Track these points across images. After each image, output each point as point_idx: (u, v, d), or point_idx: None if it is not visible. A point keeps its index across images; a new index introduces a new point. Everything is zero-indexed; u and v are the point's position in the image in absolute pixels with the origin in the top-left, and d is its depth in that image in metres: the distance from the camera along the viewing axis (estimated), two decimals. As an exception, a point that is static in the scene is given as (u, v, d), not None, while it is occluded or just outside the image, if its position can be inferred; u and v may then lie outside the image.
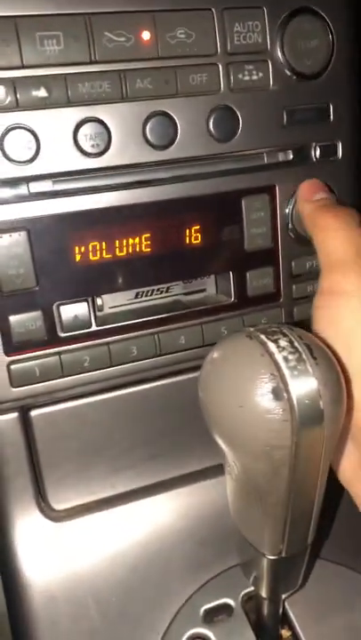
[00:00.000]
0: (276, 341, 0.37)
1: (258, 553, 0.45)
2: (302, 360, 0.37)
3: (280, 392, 0.36)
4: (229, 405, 0.37)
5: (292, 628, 0.53)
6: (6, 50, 0.44)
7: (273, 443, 0.36)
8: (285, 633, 0.53)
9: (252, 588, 0.52)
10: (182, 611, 0.52)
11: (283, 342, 0.37)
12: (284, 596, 0.50)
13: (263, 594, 0.48)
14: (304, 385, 0.36)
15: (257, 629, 0.52)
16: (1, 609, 0.55)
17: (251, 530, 0.45)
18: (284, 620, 0.53)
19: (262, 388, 0.36)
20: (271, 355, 0.37)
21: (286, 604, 0.53)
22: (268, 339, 0.37)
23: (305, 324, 0.50)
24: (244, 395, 0.36)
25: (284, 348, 0.37)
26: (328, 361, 0.38)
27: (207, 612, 0.52)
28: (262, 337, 0.38)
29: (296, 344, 0.37)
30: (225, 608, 0.53)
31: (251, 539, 0.45)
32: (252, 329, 0.39)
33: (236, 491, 0.43)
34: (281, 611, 0.51)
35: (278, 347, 0.37)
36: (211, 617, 0.52)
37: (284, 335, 0.38)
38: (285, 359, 0.36)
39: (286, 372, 0.36)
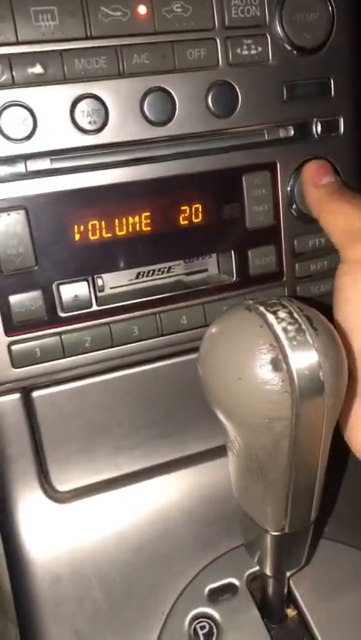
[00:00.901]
0: (275, 313, 0.37)
1: (261, 530, 0.44)
2: (302, 331, 0.36)
3: (279, 363, 0.35)
4: (228, 378, 0.37)
5: (297, 606, 0.52)
6: (1, 26, 0.43)
7: (273, 414, 0.36)
8: (291, 612, 0.52)
9: (257, 568, 0.51)
10: (187, 590, 0.52)
11: (282, 313, 0.37)
12: (288, 575, 0.50)
13: (268, 572, 0.48)
14: (304, 356, 0.36)
15: (262, 608, 0.51)
16: (6, 590, 0.55)
17: (253, 506, 0.44)
18: (290, 599, 0.53)
19: (261, 359, 0.35)
20: (270, 326, 0.36)
21: (291, 583, 0.53)
22: (268, 310, 0.37)
23: (312, 301, 0.50)
24: (243, 366, 0.36)
25: (283, 319, 0.36)
26: (329, 332, 0.37)
27: (212, 591, 0.52)
28: (261, 309, 0.37)
29: (296, 315, 0.37)
30: (230, 587, 0.53)
31: (254, 515, 0.45)
32: (250, 301, 0.39)
33: (238, 467, 0.43)
34: (286, 590, 0.51)
35: (277, 318, 0.36)
36: (215, 596, 0.52)
37: (284, 307, 0.37)
38: (285, 330, 0.36)
39: (286, 342, 0.35)
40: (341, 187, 0.52)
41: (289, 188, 0.54)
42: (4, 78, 0.44)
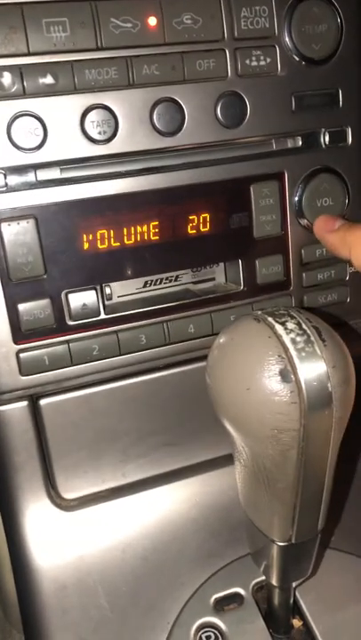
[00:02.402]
0: (283, 324, 0.37)
1: (268, 540, 0.44)
2: (311, 342, 0.36)
3: (288, 374, 0.35)
4: (237, 389, 0.37)
5: (303, 617, 0.52)
6: (13, 37, 0.44)
7: (281, 425, 0.36)
8: (297, 622, 0.52)
9: (263, 578, 0.51)
10: (192, 600, 0.52)
11: (291, 324, 0.37)
12: (294, 585, 0.50)
13: (274, 582, 0.48)
14: (312, 367, 0.36)
15: (268, 619, 0.51)
16: (12, 598, 0.55)
17: (260, 516, 0.44)
18: (296, 610, 0.52)
19: (270, 370, 0.35)
20: (279, 337, 0.36)
21: (297, 593, 0.52)
22: (276, 321, 0.37)
23: (317, 312, 0.50)
24: (252, 377, 0.36)
25: (292, 330, 0.37)
26: (337, 343, 0.37)
27: (218, 601, 0.52)
28: (270, 319, 0.37)
29: (304, 326, 0.37)
30: (236, 597, 0.52)
31: (260, 526, 0.45)
32: (259, 312, 0.39)
33: (246, 477, 0.43)
34: (292, 600, 0.51)
35: (286, 329, 0.37)
36: (221, 606, 0.52)
37: (292, 317, 0.37)
38: (293, 341, 0.36)
39: (294, 353, 0.36)
40: (355, 223, 0.52)
41: (297, 198, 0.55)
42: (15, 88, 0.45)
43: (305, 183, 0.54)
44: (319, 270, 0.57)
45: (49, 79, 0.45)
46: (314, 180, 0.54)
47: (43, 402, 0.53)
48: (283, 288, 0.56)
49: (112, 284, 0.53)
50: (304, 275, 0.57)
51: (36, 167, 0.47)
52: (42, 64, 0.45)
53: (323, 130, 0.54)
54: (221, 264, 0.56)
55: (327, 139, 0.54)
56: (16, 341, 0.49)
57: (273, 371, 0.35)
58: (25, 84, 0.45)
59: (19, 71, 0.45)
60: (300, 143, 0.54)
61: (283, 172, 0.53)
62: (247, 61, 0.50)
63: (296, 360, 0.35)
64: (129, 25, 0.47)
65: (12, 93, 0.45)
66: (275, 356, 0.36)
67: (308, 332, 0.37)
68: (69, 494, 0.55)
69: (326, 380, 0.36)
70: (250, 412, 0.37)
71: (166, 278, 0.55)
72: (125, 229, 0.50)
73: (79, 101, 0.46)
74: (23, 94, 0.45)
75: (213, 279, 0.57)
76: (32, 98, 0.45)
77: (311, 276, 0.57)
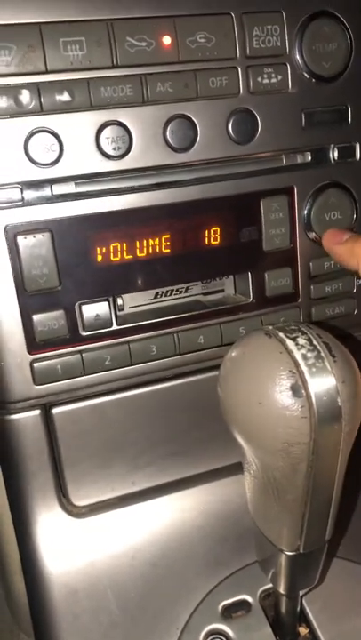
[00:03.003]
0: (294, 339, 0.38)
1: (276, 549, 0.45)
2: (321, 357, 0.37)
3: (299, 389, 0.36)
4: (248, 402, 0.38)
5: (309, 625, 0.53)
6: (31, 55, 0.45)
7: (291, 439, 0.37)
8: (303, 630, 0.53)
9: (271, 585, 0.52)
10: (201, 606, 0.53)
11: (301, 340, 0.38)
12: (301, 593, 0.51)
13: (281, 590, 0.49)
14: (322, 382, 0.37)
15: (275, 626, 0.52)
16: (21, 601, 0.56)
17: (269, 526, 0.45)
18: (302, 618, 0.53)
19: (281, 385, 0.36)
20: (290, 352, 0.37)
21: (304, 601, 0.53)
22: (287, 336, 0.38)
23: (323, 325, 0.51)
24: (263, 392, 0.37)
25: (302, 346, 0.38)
26: (346, 359, 0.38)
27: (225, 607, 0.53)
28: (281, 335, 0.38)
29: (315, 342, 0.38)
30: (243, 604, 0.53)
31: (269, 535, 0.45)
32: (270, 327, 0.40)
33: (255, 487, 0.44)
34: (299, 608, 0.52)
35: (297, 344, 0.38)
36: (229, 613, 0.53)
37: (303, 333, 0.38)
38: (304, 357, 0.37)
39: (305, 369, 0.37)
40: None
41: (306, 212, 0.55)
42: (32, 105, 0.46)
43: (314, 197, 0.55)
44: (327, 283, 0.58)
45: (65, 96, 0.47)
46: (323, 195, 0.55)
47: (55, 411, 0.54)
48: (291, 300, 0.57)
49: (124, 296, 0.54)
50: (312, 287, 0.58)
51: (51, 182, 0.48)
52: (59, 81, 0.46)
53: (332, 146, 0.55)
54: (231, 276, 0.57)
55: (336, 154, 0.55)
56: (30, 351, 0.50)
57: (284, 386, 0.36)
58: (42, 100, 0.46)
59: (36, 88, 0.46)
60: (310, 159, 0.55)
61: (292, 186, 0.54)
62: (259, 79, 0.51)
63: (307, 375, 0.36)
64: (144, 44, 0.48)
65: (30, 110, 0.46)
66: (286, 372, 0.37)
67: (319, 347, 0.38)
68: (80, 502, 0.56)
69: (336, 395, 0.37)
70: (261, 425, 0.37)
71: (177, 290, 0.56)
72: (138, 242, 0.51)
73: (95, 118, 0.48)
74: (40, 111, 0.46)
75: (223, 291, 0.58)
76: (49, 114, 0.46)
77: (319, 288, 0.58)
